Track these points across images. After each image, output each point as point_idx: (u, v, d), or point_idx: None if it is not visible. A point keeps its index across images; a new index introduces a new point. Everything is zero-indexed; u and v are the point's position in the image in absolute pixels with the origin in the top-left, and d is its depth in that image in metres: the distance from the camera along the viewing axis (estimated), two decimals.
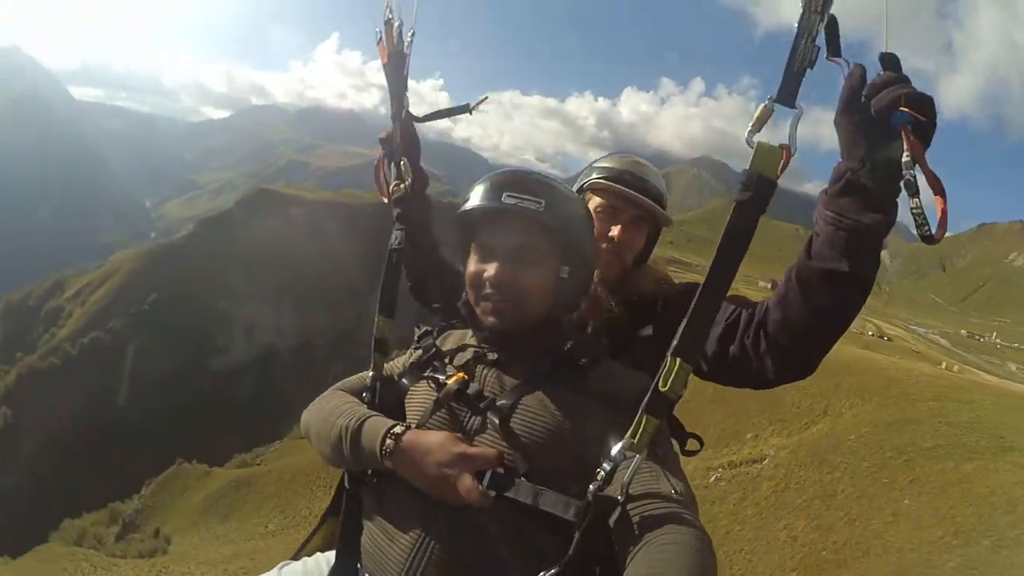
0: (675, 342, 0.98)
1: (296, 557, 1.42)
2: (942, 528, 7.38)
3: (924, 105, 0.91)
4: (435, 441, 1.10)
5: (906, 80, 0.95)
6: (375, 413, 1.22)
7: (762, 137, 0.97)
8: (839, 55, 0.96)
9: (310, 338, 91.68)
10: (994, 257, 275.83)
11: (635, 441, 0.98)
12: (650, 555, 0.89)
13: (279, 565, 1.36)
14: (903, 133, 0.91)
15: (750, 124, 0.97)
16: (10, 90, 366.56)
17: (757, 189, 0.94)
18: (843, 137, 1.02)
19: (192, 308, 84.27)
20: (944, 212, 0.87)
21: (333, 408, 1.27)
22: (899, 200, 0.99)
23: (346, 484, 1.29)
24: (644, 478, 1.02)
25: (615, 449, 0.99)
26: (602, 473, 0.98)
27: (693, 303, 0.98)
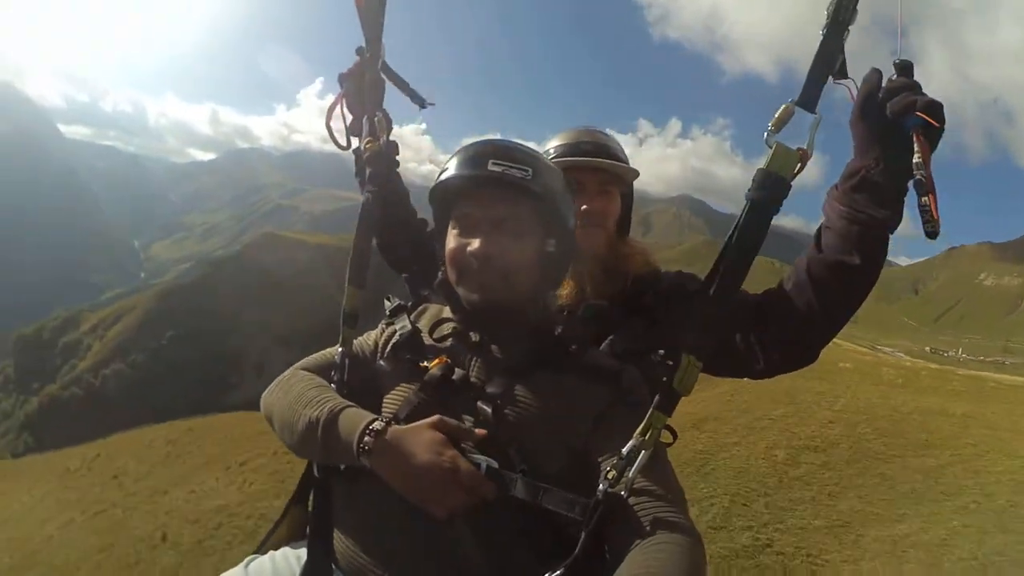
0: (689, 339, 0.96)
1: (261, 550, 1.25)
2: None
3: (935, 111, 0.93)
4: (422, 442, 0.97)
5: (917, 86, 0.98)
6: (350, 404, 1.07)
7: (781, 138, 0.98)
8: (847, 76, 1.00)
9: None
10: (964, 278, 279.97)
11: (645, 439, 0.96)
12: (643, 557, 0.87)
13: (245, 561, 1.20)
14: (915, 136, 0.94)
15: (770, 124, 0.97)
16: (2, 124, 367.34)
17: (772, 188, 0.95)
18: (858, 137, 1.05)
19: (206, 346, 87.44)
20: (935, 207, 0.91)
21: (300, 394, 1.12)
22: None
23: (315, 473, 1.16)
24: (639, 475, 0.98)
25: (626, 448, 0.96)
26: (613, 472, 0.94)
27: (707, 300, 0.97)
